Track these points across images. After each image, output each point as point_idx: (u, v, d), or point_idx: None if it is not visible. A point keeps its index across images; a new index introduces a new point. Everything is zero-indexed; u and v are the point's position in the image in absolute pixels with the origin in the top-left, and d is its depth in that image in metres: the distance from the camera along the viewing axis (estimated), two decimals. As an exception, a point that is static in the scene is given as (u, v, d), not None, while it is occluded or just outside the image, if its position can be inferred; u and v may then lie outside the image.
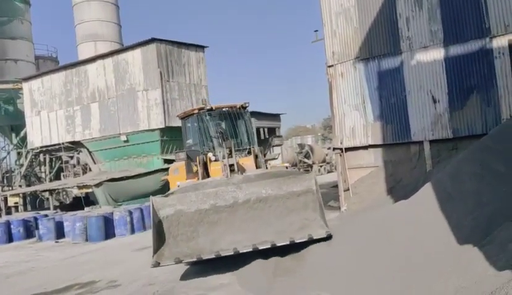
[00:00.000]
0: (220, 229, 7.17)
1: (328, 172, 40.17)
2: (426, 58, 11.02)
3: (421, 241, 5.35)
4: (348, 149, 12.51)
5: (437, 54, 10.86)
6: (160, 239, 7.01)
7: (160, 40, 21.67)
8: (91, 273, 8.93)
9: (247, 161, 8.91)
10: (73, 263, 10.62)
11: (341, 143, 12.52)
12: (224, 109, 9.71)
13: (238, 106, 9.84)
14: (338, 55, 12.41)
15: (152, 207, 7.09)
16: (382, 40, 11.62)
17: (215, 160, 8.96)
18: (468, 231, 4.98)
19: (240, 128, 9.87)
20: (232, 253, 6.73)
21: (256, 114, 30.02)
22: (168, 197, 7.32)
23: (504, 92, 10.02)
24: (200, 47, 24.16)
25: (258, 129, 30.29)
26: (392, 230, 5.66)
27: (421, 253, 5.26)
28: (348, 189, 12.47)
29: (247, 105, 9.96)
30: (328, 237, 6.75)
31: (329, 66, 12.59)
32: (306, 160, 39.40)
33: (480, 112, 10.35)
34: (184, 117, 10.23)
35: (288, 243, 6.71)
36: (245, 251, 6.73)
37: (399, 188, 11.50)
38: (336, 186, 21.91)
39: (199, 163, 8.86)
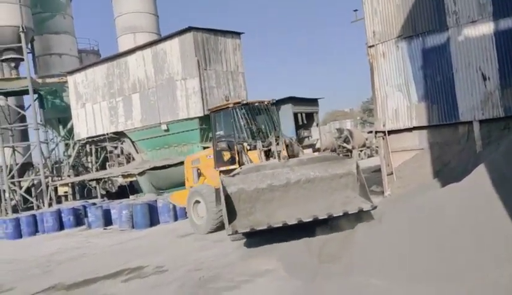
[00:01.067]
0: (274, 206, 8.14)
1: (369, 156, 39.39)
2: (475, 33, 10.44)
3: (475, 226, 5.10)
4: (390, 132, 12.15)
5: (486, 28, 10.27)
6: (230, 212, 7.93)
7: (197, 29, 21.71)
8: (139, 259, 9.18)
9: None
10: (121, 250, 10.97)
11: (383, 126, 12.17)
12: (255, 104, 10.86)
13: (266, 102, 11.01)
14: (379, 34, 11.99)
15: (222, 185, 8.04)
16: (426, 16, 11.10)
17: (250, 149, 9.94)
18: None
19: (269, 121, 10.88)
20: (281, 225, 7.62)
21: (294, 100, 29.57)
22: (234, 177, 8.31)
23: (562, 66, 9.36)
24: (236, 34, 24.04)
25: (295, 115, 29.93)
26: (444, 214, 5.42)
27: (474, 239, 5.02)
28: (392, 173, 12.14)
29: (274, 101, 11.16)
30: (373, 208, 7.87)
31: (370, 46, 12.20)
32: (345, 145, 38.77)
33: (535, 89, 9.74)
34: (216, 110, 11.02)
35: (327, 216, 7.75)
36: (293, 223, 7.62)
37: (447, 171, 11.06)
38: (378, 171, 21.51)
39: (237, 152, 9.82)
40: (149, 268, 8.24)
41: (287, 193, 8.26)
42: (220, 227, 10.54)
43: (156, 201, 15.20)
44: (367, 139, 40.48)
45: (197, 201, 10.96)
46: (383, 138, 12.23)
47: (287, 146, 9.55)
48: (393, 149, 12.14)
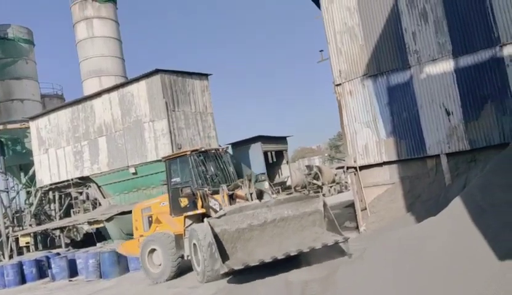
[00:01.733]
0: (253, 244, 8.61)
1: (339, 192, 39.71)
2: (436, 71, 10.90)
3: (458, 257, 5.07)
4: (362, 167, 12.29)
5: (447, 66, 10.75)
6: (220, 251, 8.19)
7: (164, 71, 21.79)
8: (109, 312, 8.63)
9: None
10: (88, 303, 10.33)
11: (354, 161, 12.30)
12: (212, 151, 11.41)
13: (220, 149, 11.88)
14: (345, 73, 12.33)
15: (210, 226, 8.39)
16: (389, 55, 11.55)
17: (212, 194, 10.15)
18: (509, 245, 4.71)
19: (225, 166, 11.31)
20: (258, 263, 8.05)
21: (263, 138, 29.85)
22: (219, 219, 8.64)
23: (520, 100, 9.83)
24: (204, 75, 24.27)
25: (265, 153, 30.09)
26: (426, 247, 5.39)
27: (460, 270, 4.97)
28: (365, 208, 12.19)
29: (227, 149, 12.47)
30: (344, 241, 8.60)
31: (337, 85, 12.49)
32: (315, 182, 39.01)
33: (497, 122, 10.16)
34: (170, 158, 11.25)
35: (297, 252, 8.23)
36: (268, 260, 8.09)
37: (419, 204, 11.21)
38: (349, 206, 21.62)
39: (201, 197, 10.06)
40: (120, 322, 7.73)
41: (263, 232, 8.76)
42: (179, 274, 10.63)
43: (125, 248, 14.55)
44: (336, 175, 40.92)
45: (153, 250, 10.83)
46: (355, 174, 12.33)
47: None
48: (365, 184, 12.25)
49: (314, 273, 7.54)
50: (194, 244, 9.51)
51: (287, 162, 33.44)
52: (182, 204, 10.40)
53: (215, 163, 11.12)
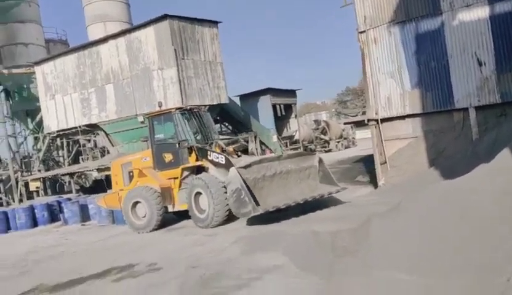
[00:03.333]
0: (265, 192, 9.46)
1: (346, 147, 39.48)
2: (470, 17, 10.25)
3: (507, 215, 4.76)
4: (383, 120, 11.87)
5: (481, 12, 10.09)
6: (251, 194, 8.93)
7: (173, 17, 20.89)
8: (126, 256, 8.52)
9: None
10: (104, 247, 10.25)
11: (376, 114, 11.87)
12: (195, 110, 11.64)
13: (202, 109, 12.15)
14: (371, 18, 11.66)
15: (238, 174, 9.05)
16: (420, 0, 10.82)
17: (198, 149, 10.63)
18: None
19: (207, 125, 11.62)
20: (284, 207, 9.33)
21: (272, 91, 29.26)
22: (245, 168, 9.28)
23: (560, 50, 9.25)
24: (213, 23, 23.32)
25: (274, 106, 29.57)
26: (473, 201, 5.07)
27: (506, 226, 4.68)
28: (385, 162, 11.88)
29: (208, 109, 13.09)
30: (340, 191, 10.24)
31: (361, 32, 11.86)
32: (322, 136, 38.74)
33: (531, 74, 9.62)
34: (154, 115, 11.45)
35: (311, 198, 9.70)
36: (292, 204, 9.42)
37: (442, 159, 10.89)
38: (359, 161, 21.41)
39: (190, 153, 10.61)
40: (140, 266, 7.60)
41: (271, 182, 9.67)
42: (162, 225, 11.02)
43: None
44: (343, 131, 40.56)
45: (136, 203, 11.16)
46: (376, 126, 11.94)
47: (222, 149, 10.78)
48: (386, 138, 11.88)
49: (339, 225, 7.32)
50: (198, 192, 10.02)
51: (296, 116, 32.98)
52: (166, 160, 10.87)
53: (197, 121, 11.43)
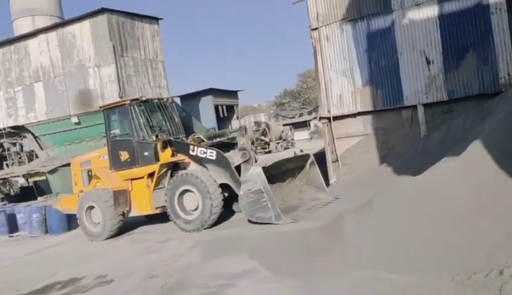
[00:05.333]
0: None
1: (285, 148, 39.83)
2: (419, 16, 10.45)
3: (485, 206, 4.69)
4: (334, 118, 11.82)
5: (430, 11, 10.32)
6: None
7: (111, 11, 19.72)
8: (69, 269, 7.62)
9: None
10: (41, 259, 9.18)
11: (328, 112, 11.79)
12: (154, 101, 10.43)
13: (165, 99, 10.95)
14: (323, 16, 11.56)
15: (263, 174, 8.21)
16: (371, -2, 10.89)
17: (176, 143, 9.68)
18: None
19: (171, 117, 10.53)
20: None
21: (215, 91, 28.69)
22: (267, 167, 8.52)
23: (502, 49, 9.68)
24: (154, 19, 22.38)
25: (216, 107, 28.99)
26: (448, 193, 4.97)
27: (487, 216, 4.60)
28: (337, 160, 11.83)
29: (172, 99, 11.84)
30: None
31: (313, 29, 11.72)
32: (263, 138, 38.63)
33: (477, 72, 9.99)
34: (108, 108, 10.26)
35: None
36: None
37: (392, 156, 11.01)
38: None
39: (165, 148, 9.51)
40: (87, 279, 6.77)
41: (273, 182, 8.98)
42: (118, 233, 9.99)
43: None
44: (283, 132, 40.88)
45: (91, 207, 10.14)
46: (327, 124, 11.85)
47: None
48: (337, 136, 11.84)
49: (304, 224, 7.00)
50: (185, 191, 8.99)
51: (237, 117, 32.61)
52: (122, 158, 9.82)
53: (160, 113, 10.34)
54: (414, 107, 10.80)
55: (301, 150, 10.41)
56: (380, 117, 11.33)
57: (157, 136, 9.55)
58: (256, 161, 9.00)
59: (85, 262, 8.03)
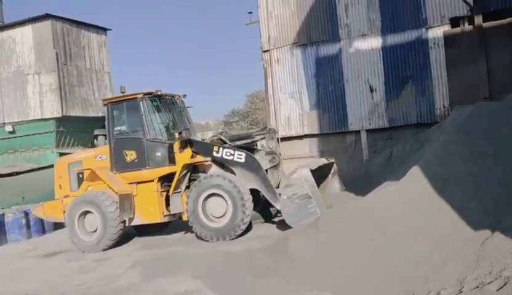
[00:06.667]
0: None
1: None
2: (364, 46, 10.98)
3: (424, 229, 4.91)
4: (283, 139, 11.98)
5: (375, 42, 10.88)
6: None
7: (56, 17, 19.10)
8: (-5, 289, 7.03)
9: None
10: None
11: (276, 133, 11.93)
12: (167, 97, 9.31)
13: (177, 96, 9.72)
14: (275, 39, 11.84)
15: (312, 178, 7.48)
16: (321, 25, 11.33)
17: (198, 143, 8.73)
18: (479, 215, 4.67)
19: (185, 117, 9.65)
20: None
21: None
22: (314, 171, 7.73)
23: (438, 82, 10.35)
24: (102, 29, 21.94)
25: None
26: (389, 215, 5.16)
27: (425, 239, 4.82)
28: (283, 180, 11.95)
29: (184, 96, 9.95)
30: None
31: (264, 51, 11.95)
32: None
33: (415, 102, 10.60)
34: (114, 102, 9.21)
35: None
36: None
37: (336, 178, 11.31)
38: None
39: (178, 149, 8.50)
40: (16, 300, 6.28)
41: None
42: (119, 243, 8.93)
43: (3, 215, 12.33)
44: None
45: (86, 213, 9.00)
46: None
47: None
48: (284, 157, 11.96)
49: (255, 243, 6.95)
50: (212, 195, 8.04)
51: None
52: (128, 159, 8.80)
53: (172, 111, 9.35)
54: (358, 132, 11.24)
55: (327, 158, 9.49)
56: (325, 140, 11.66)
57: (180, 133, 8.69)
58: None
59: (14, 282, 7.44)
